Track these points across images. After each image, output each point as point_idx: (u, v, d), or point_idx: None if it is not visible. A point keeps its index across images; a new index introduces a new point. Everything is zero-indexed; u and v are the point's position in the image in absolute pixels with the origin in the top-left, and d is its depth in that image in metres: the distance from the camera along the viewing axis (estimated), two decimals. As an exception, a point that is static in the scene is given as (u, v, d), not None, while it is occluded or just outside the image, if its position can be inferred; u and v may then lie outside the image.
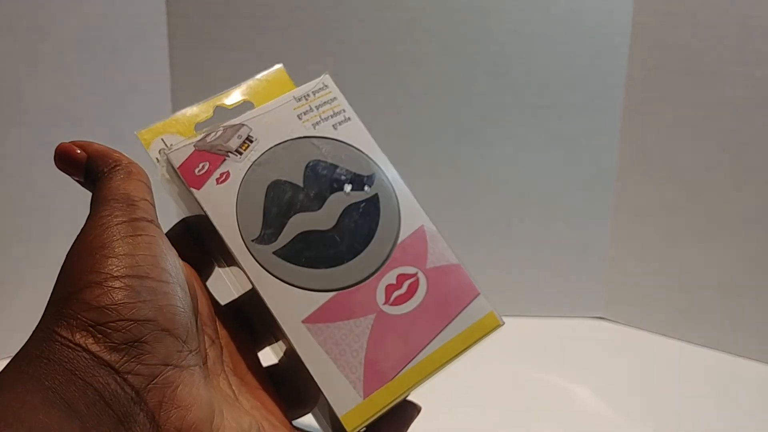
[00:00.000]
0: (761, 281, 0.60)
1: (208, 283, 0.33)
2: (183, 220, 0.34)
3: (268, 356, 0.35)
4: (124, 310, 0.25)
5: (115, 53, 0.62)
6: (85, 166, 0.29)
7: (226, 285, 0.35)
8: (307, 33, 0.63)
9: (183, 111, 0.34)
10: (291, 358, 0.32)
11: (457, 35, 0.64)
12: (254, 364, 0.33)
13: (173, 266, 0.27)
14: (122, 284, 0.25)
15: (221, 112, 0.34)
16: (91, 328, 0.24)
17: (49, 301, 0.26)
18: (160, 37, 0.64)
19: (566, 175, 0.67)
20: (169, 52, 0.65)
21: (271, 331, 0.34)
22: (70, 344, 0.24)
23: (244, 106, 0.35)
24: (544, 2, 0.63)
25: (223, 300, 0.34)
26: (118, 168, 0.29)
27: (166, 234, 0.29)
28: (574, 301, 0.70)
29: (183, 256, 0.30)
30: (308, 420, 0.34)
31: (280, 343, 0.33)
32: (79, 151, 0.29)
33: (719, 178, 0.61)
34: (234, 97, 0.35)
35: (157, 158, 0.33)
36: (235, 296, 0.35)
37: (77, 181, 0.30)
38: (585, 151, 0.66)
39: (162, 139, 0.33)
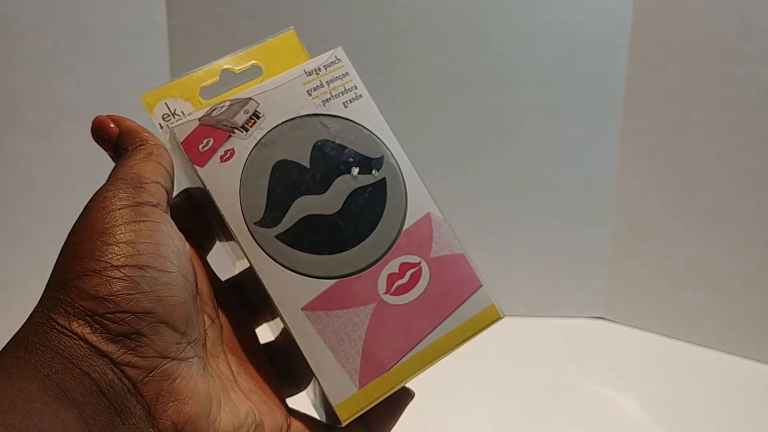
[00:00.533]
0: (761, 281, 0.60)
1: (209, 258, 0.33)
2: (185, 191, 0.33)
3: (264, 332, 0.34)
4: (123, 301, 0.24)
5: (115, 53, 0.63)
6: (115, 141, 0.29)
7: (225, 259, 0.35)
8: (308, 33, 0.63)
9: (188, 74, 0.33)
10: (288, 339, 0.31)
11: (457, 35, 0.64)
12: (253, 343, 0.32)
13: (176, 253, 0.27)
14: (122, 274, 0.25)
15: (228, 75, 0.33)
16: (88, 318, 0.24)
17: (47, 284, 0.25)
18: (160, 38, 0.65)
19: (566, 174, 0.67)
20: (169, 52, 0.65)
21: (270, 311, 0.33)
22: (68, 332, 0.24)
23: (252, 70, 0.34)
24: (544, 2, 0.63)
25: (223, 274, 0.33)
26: (142, 147, 0.29)
27: None
28: (574, 300, 0.70)
29: (184, 229, 0.29)
30: (303, 402, 0.33)
31: (278, 320, 0.32)
32: (112, 126, 0.29)
33: (719, 177, 0.61)
34: (242, 59, 0.34)
35: (160, 124, 0.32)
36: (235, 271, 0.34)
37: (110, 156, 0.30)
38: (585, 151, 0.67)
39: (166, 104, 0.32)
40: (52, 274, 0.25)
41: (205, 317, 0.30)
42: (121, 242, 0.25)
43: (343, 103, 0.33)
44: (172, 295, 0.26)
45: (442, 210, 0.33)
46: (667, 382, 0.60)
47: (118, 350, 0.24)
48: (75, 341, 0.24)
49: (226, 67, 0.33)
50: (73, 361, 0.23)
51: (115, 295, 0.24)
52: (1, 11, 0.58)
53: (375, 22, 0.64)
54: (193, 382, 0.26)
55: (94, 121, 0.29)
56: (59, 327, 0.24)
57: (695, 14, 0.60)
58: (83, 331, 0.24)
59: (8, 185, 0.60)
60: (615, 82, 0.65)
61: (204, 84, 0.33)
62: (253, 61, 0.34)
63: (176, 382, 0.25)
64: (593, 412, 0.56)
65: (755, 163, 0.59)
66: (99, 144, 0.29)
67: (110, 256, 0.25)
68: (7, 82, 0.59)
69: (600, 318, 0.71)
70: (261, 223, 0.31)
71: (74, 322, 0.24)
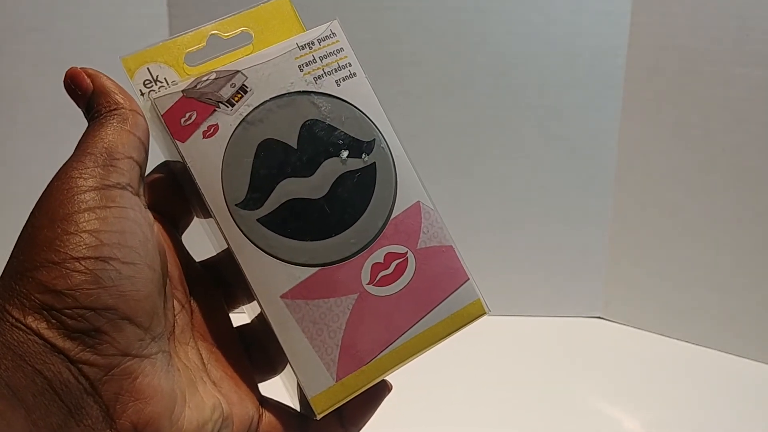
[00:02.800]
0: (760, 281, 0.61)
1: (184, 237, 0.31)
2: (165, 164, 0.32)
3: (240, 313, 0.33)
4: (82, 297, 0.23)
5: (116, 54, 0.63)
6: (88, 99, 0.27)
7: (202, 236, 0.33)
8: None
9: (174, 38, 0.31)
10: (266, 325, 0.30)
11: (456, 35, 0.64)
12: (226, 328, 0.31)
13: (143, 242, 0.25)
14: (82, 267, 0.23)
15: (215, 41, 0.31)
16: (45, 312, 0.22)
17: (3, 272, 0.24)
18: (161, 38, 0.64)
19: (565, 175, 0.67)
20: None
21: (247, 295, 0.32)
22: (22, 326, 0.22)
23: (242, 36, 0.32)
24: (543, 3, 0.63)
25: (201, 253, 0.32)
26: (115, 113, 0.26)
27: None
28: (572, 300, 0.71)
29: (160, 206, 0.28)
30: (276, 389, 0.32)
31: (254, 304, 0.31)
32: (87, 81, 0.27)
33: (718, 178, 0.62)
34: (231, 25, 0.32)
35: (141, 90, 0.30)
36: (213, 249, 0.33)
37: (83, 113, 0.28)
38: (584, 152, 0.67)
39: (148, 69, 0.30)
40: (8, 262, 0.24)
41: (175, 302, 0.28)
42: (84, 231, 0.23)
43: (336, 80, 0.32)
44: (136, 290, 0.24)
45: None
46: (665, 382, 0.60)
47: (76, 347, 0.23)
48: (29, 336, 0.22)
49: (213, 32, 0.32)
50: (26, 359, 0.22)
51: (74, 290, 0.23)
52: (2, 12, 0.58)
53: (375, 22, 0.63)
54: (156, 380, 0.24)
55: (67, 71, 0.27)
56: (13, 320, 0.22)
57: (694, 15, 0.60)
58: (39, 326, 0.22)
59: (9, 185, 0.61)
60: (614, 83, 0.65)
61: (189, 49, 0.31)
62: (243, 28, 0.32)
63: (138, 380, 0.24)
64: (591, 411, 0.56)
65: (754, 163, 0.60)
66: (71, 98, 0.27)
67: (71, 246, 0.23)
68: (8, 82, 0.60)
69: (598, 318, 0.71)
70: (242, 205, 0.30)
71: (29, 316, 0.22)
